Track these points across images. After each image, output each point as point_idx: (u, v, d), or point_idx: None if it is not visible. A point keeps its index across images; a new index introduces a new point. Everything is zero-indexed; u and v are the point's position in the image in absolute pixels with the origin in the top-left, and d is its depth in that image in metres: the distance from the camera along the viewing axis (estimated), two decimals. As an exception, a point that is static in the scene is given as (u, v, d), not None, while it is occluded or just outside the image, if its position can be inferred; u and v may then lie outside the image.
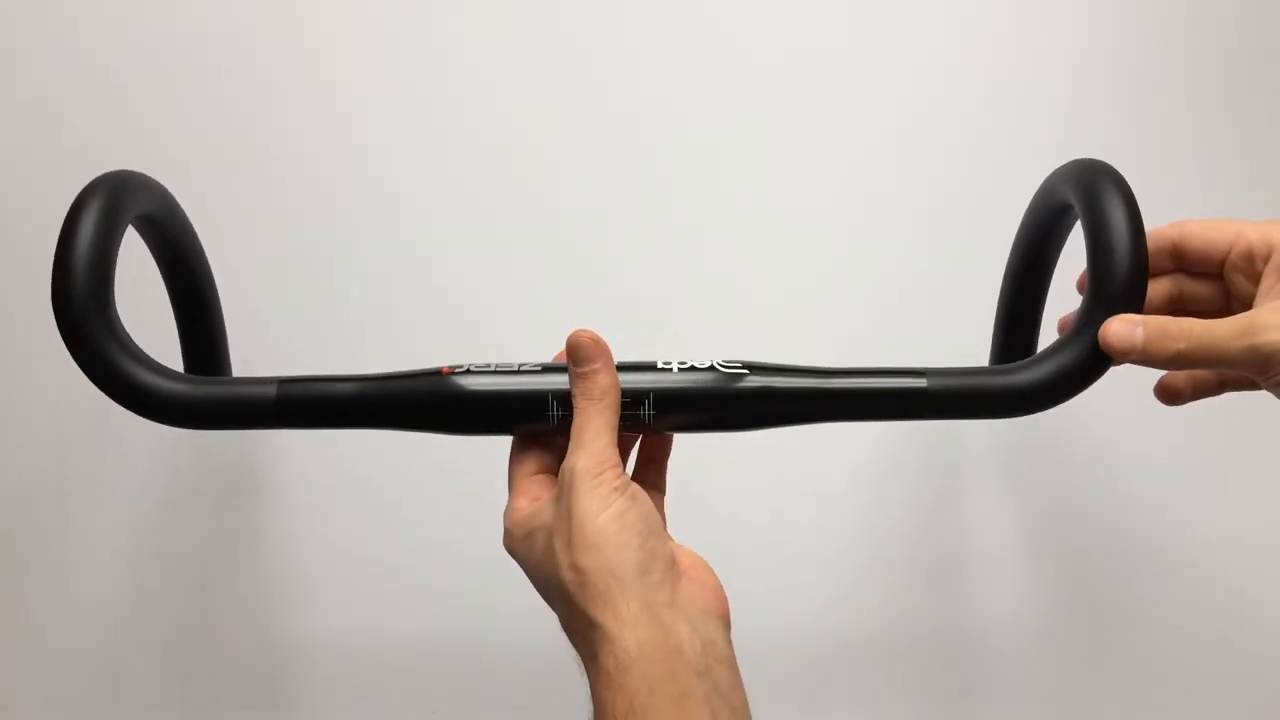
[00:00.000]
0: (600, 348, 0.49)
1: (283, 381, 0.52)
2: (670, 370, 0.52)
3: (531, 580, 0.49)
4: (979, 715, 0.84)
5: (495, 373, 0.52)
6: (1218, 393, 0.57)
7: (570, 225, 0.78)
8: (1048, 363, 0.52)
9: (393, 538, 0.81)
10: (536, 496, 0.50)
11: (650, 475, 0.55)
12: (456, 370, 0.52)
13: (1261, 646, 0.84)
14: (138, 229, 0.58)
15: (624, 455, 0.53)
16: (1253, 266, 0.51)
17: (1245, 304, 0.51)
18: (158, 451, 0.80)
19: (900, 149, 0.77)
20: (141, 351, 0.52)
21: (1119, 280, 0.50)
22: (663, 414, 0.51)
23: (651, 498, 0.50)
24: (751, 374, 0.52)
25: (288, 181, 0.77)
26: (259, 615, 0.82)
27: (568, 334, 0.49)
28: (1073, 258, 0.57)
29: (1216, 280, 0.54)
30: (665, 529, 0.50)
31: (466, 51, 0.76)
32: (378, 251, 0.78)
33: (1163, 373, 0.56)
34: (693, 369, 0.52)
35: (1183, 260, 0.54)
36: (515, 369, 0.52)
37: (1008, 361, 0.62)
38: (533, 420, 0.51)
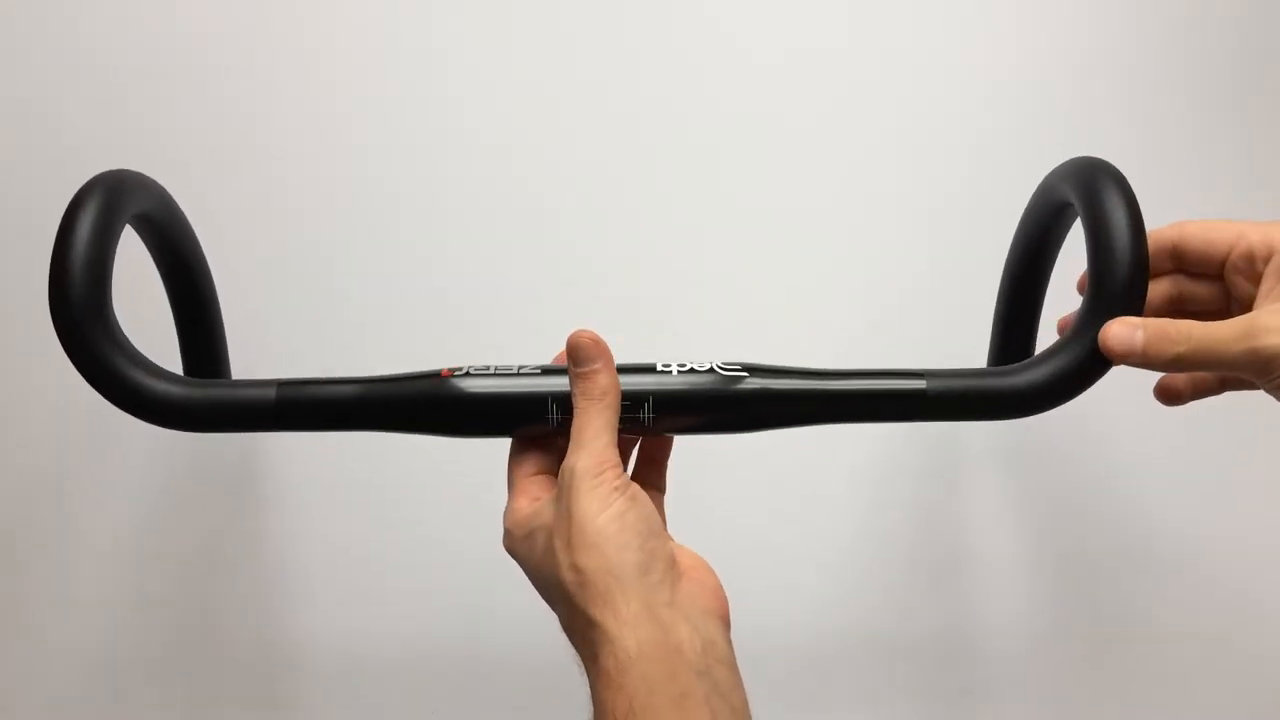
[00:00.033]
0: (600, 348, 0.49)
1: (282, 384, 0.52)
2: (670, 373, 0.52)
3: (531, 580, 0.49)
4: (979, 715, 0.85)
5: (494, 375, 0.51)
6: (1218, 392, 0.57)
7: (570, 225, 0.78)
8: (1047, 364, 0.52)
9: (393, 538, 0.81)
10: (536, 497, 0.50)
11: (650, 475, 0.55)
12: (456, 373, 0.51)
13: (1261, 646, 0.84)
14: (136, 229, 0.58)
15: (624, 456, 0.53)
16: (1253, 268, 0.51)
17: (1245, 305, 0.51)
18: (157, 451, 0.80)
19: (900, 149, 0.77)
20: (139, 353, 0.52)
21: (1120, 279, 0.50)
22: (662, 416, 0.51)
23: (651, 497, 0.50)
24: (751, 376, 0.52)
25: (288, 181, 0.77)
26: (259, 615, 0.82)
27: (568, 334, 0.49)
28: (1073, 257, 0.57)
29: (1217, 281, 0.54)
30: (665, 529, 0.51)
31: (466, 51, 0.76)
32: (378, 251, 0.78)
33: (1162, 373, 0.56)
34: (692, 371, 0.52)
35: (1183, 261, 0.54)
36: (514, 371, 0.52)
37: (1005, 361, 0.62)
38: (532, 422, 0.51)
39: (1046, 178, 0.57)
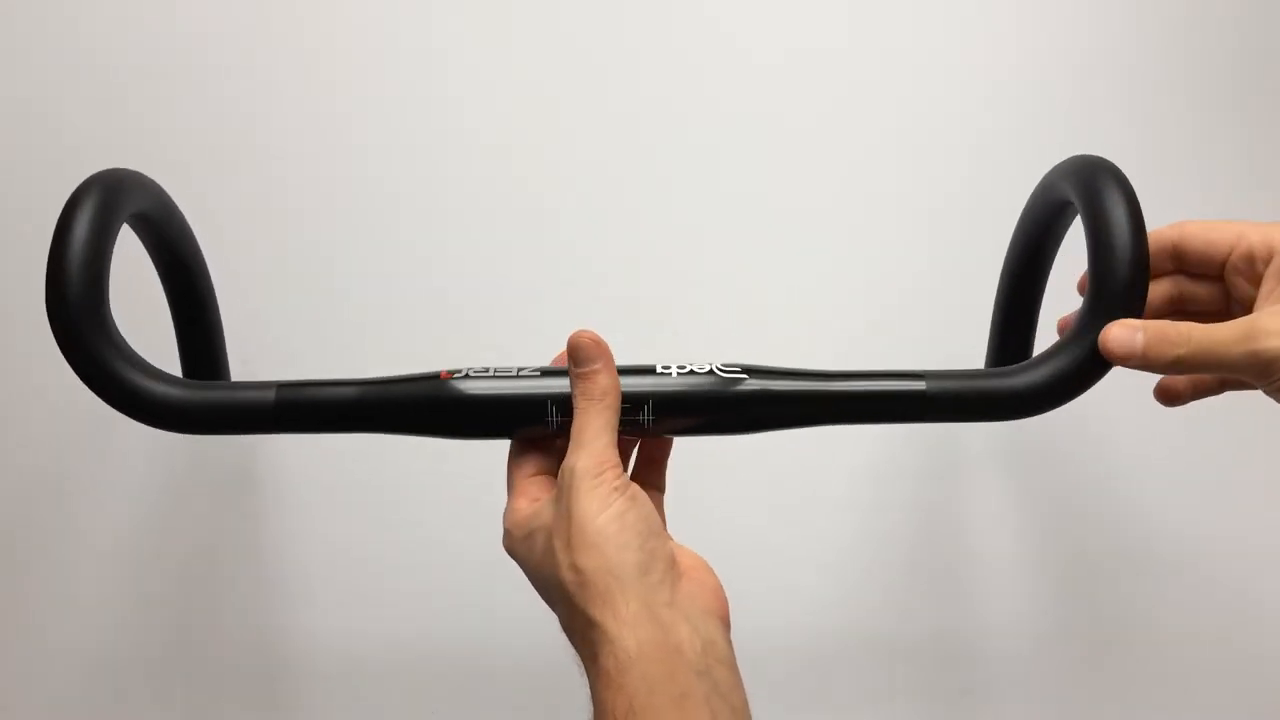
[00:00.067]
0: (601, 348, 0.49)
1: (281, 386, 0.52)
2: (669, 374, 0.51)
3: (531, 581, 0.49)
4: (979, 715, 0.85)
5: (494, 377, 0.51)
6: (1217, 393, 0.57)
7: (570, 225, 0.78)
8: (1047, 365, 0.52)
9: (392, 538, 0.81)
10: (536, 497, 0.50)
11: (650, 475, 0.55)
12: (455, 374, 0.51)
13: (1261, 646, 0.84)
14: (134, 228, 0.58)
15: (624, 456, 0.53)
16: (1254, 269, 0.51)
17: (1245, 307, 0.51)
18: (157, 451, 0.80)
19: (900, 149, 0.77)
20: (136, 354, 0.52)
21: (1120, 279, 0.50)
22: (662, 418, 0.51)
23: (651, 497, 0.50)
24: (750, 378, 0.51)
25: (288, 181, 0.77)
26: (259, 615, 0.82)
27: (568, 334, 0.49)
28: (1073, 257, 0.57)
29: (1217, 282, 0.53)
30: (665, 529, 0.50)
31: (466, 51, 0.76)
32: (378, 251, 0.77)
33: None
34: (692, 373, 0.51)
35: (1183, 262, 0.54)
36: (514, 373, 0.52)
37: (1004, 360, 0.62)
38: (532, 424, 0.51)
39: (1046, 176, 0.57)
